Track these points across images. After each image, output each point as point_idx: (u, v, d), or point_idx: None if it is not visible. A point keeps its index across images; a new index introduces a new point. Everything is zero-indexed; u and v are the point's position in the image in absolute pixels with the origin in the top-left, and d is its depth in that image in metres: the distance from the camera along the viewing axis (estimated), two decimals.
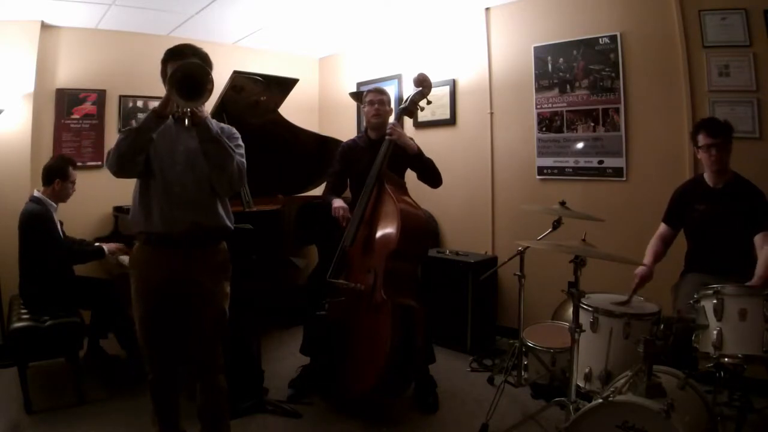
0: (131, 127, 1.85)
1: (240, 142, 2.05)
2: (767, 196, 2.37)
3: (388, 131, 2.75)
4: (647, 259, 2.53)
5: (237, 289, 2.15)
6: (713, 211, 2.41)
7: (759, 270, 2.16)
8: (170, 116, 1.85)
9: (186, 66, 1.73)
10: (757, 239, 2.28)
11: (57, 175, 2.95)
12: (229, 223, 2.06)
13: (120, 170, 1.87)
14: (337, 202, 2.80)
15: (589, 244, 2.10)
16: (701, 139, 2.40)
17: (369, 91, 2.93)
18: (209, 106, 2.93)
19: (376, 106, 2.85)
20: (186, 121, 1.79)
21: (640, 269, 2.45)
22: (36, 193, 2.94)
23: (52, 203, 2.96)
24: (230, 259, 2.09)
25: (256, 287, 2.72)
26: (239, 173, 1.94)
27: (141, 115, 4.03)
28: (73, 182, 3.03)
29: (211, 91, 1.74)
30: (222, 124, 2.04)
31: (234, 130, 2.08)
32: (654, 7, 3.12)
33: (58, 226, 2.97)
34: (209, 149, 1.86)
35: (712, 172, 2.44)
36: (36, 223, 2.84)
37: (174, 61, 1.90)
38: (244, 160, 1.99)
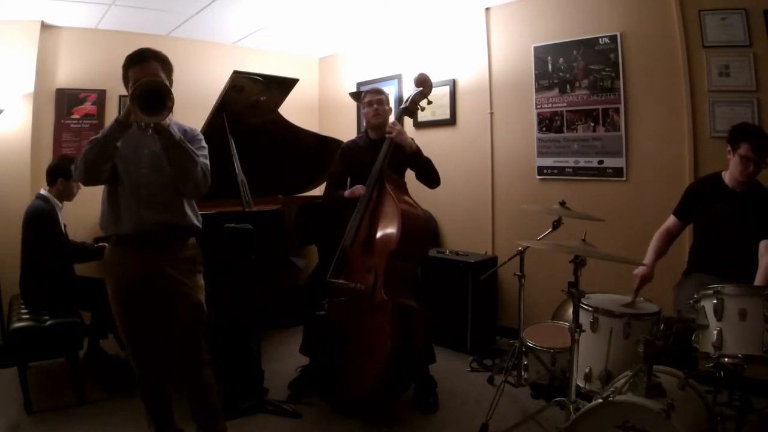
0: (96, 137, 1.87)
1: (203, 143, 2.06)
2: None
3: (387, 129, 2.76)
4: (648, 258, 2.52)
5: (237, 290, 2.15)
6: (729, 211, 2.39)
7: (759, 279, 2.17)
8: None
9: (146, 83, 1.75)
10: (762, 245, 2.27)
11: (59, 174, 2.97)
12: (197, 223, 2.08)
13: (87, 179, 1.89)
14: (351, 190, 2.83)
15: (589, 244, 2.10)
16: (743, 149, 2.31)
17: (367, 92, 2.93)
18: (209, 106, 2.96)
19: (375, 106, 2.86)
20: (149, 130, 1.81)
21: (640, 269, 2.44)
22: (42, 191, 2.98)
23: (58, 202, 2.99)
24: (201, 253, 2.10)
25: (256, 287, 2.72)
26: (203, 177, 1.95)
27: None
28: (77, 181, 3.04)
29: (170, 108, 1.76)
30: (185, 126, 2.05)
31: (197, 131, 2.09)
32: (654, 7, 3.12)
33: (62, 225, 2.99)
34: (173, 155, 1.87)
35: (737, 179, 2.39)
36: (40, 220, 2.86)
37: (134, 67, 1.91)
38: (207, 161, 2.00)
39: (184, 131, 1.99)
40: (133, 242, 1.96)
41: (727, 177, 2.45)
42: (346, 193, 2.85)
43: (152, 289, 1.96)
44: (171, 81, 1.96)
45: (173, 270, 1.98)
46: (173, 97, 1.76)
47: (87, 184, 1.92)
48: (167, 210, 1.98)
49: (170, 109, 1.76)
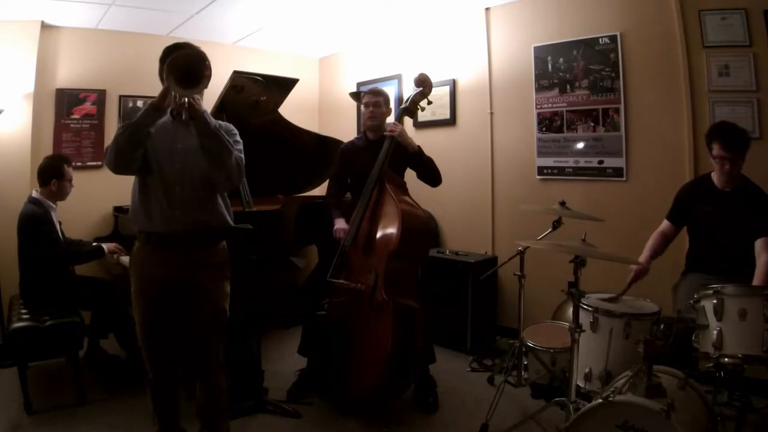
0: (129, 121, 1.83)
1: (238, 138, 2.04)
2: None
3: (389, 128, 2.75)
4: (644, 255, 2.53)
5: (237, 289, 2.15)
6: (719, 213, 2.39)
7: (757, 278, 2.17)
8: (168, 112, 1.84)
9: (185, 54, 1.72)
10: (758, 244, 2.27)
11: (53, 175, 2.92)
12: (229, 219, 2.06)
13: (118, 166, 1.86)
14: (339, 224, 2.82)
15: (589, 244, 2.10)
16: (715, 149, 2.34)
17: (365, 93, 2.93)
18: (209, 106, 2.95)
19: (370, 108, 2.86)
20: (183, 115, 1.78)
21: (635, 265, 2.45)
22: (34, 194, 2.92)
23: (51, 203, 2.94)
24: (230, 259, 2.09)
25: (256, 287, 2.72)
26: (238, 168, 1.93)
27: None
28: (70, 180, 3.00)
29: (209, 78, 1.72)
30: (220, 122, 2.03)
31: (231, 126, 2.07)
32: (654, 7, 3.12)
33: (57, 227, 2.96)
34: (207, 143, 1.84)
35: (721, 180, 2.41)
36: (34, 226, 2.82)
37: None
38: (242, 155, 1.99)
39: (219, 125, 1.96)
40: (163, 242, 1.94)
41: (715, 178, 2.46)
42: (336, 227, 2.82)
43: (178, 291, 1.95)
44: (209, 76, 1.94)
45: (202, 276, 1.97)
46: (209, 65, 1.71)
47: (118, 171, 1.87)
48: (200, 208, 1.95)
49: (208, 79, 1.71)
